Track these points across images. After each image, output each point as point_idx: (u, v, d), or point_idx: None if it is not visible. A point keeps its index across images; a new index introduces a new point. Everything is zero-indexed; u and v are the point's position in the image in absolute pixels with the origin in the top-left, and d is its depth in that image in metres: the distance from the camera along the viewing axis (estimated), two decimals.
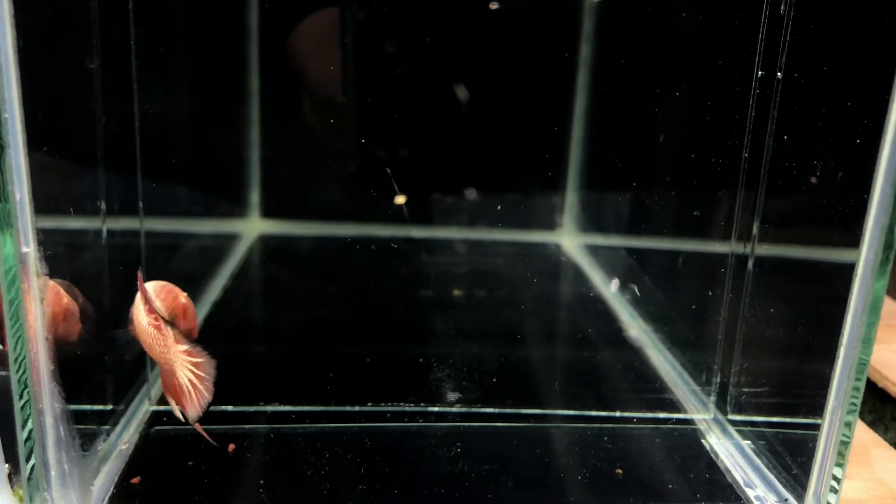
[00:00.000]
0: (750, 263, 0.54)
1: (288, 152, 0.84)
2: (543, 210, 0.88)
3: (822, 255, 0.49)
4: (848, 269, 0.43)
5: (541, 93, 0.82)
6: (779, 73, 0.49)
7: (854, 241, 0.42)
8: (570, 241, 0.87)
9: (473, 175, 0.84)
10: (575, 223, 0.87)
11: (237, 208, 0.85)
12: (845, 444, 0.46)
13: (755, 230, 0.53)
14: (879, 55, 0.42)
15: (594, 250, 0.84)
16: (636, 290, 0.73)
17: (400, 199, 0.81)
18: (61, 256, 0.40)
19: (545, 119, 0.84)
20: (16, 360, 0.36)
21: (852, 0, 0.46)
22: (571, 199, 0.87)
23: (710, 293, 0.58)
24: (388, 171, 0.72)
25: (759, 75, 0.50)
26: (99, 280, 0.49)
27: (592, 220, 0.86)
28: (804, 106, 0.49)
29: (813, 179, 0.49)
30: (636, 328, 0.68)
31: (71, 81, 0.45)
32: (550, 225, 0.88)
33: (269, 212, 0.86)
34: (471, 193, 0.85)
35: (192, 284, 0.70)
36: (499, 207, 0.84)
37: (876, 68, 0.42)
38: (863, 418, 0.65)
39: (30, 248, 0.35)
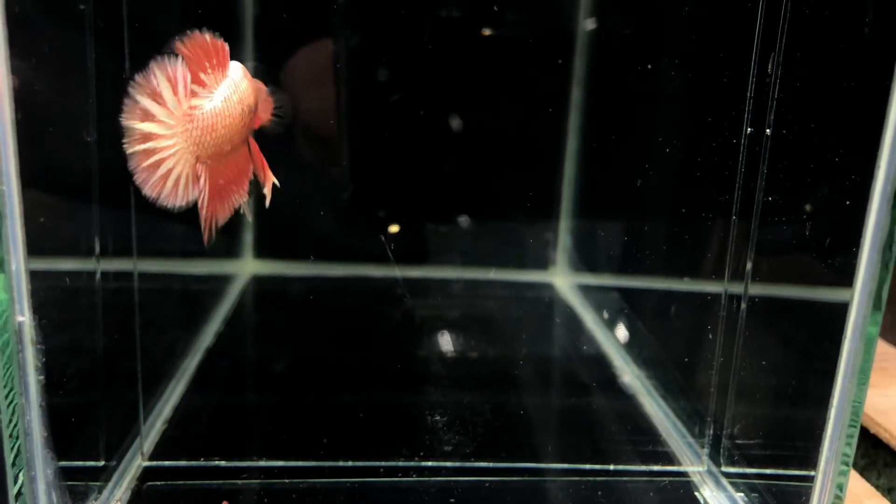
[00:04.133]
0: (743, 306, 0.54)
1: (281, 192, 0.84)
2: (536, 250, 0.88)
3: (813, 302, 0.50)
4: (839, 320, 0.44)
5: (533, 133, 0.83)
6: (767, 130, 0.50)
7: (845, 283, 0.42)
8: (563, 280, 0.88)
9: (466, 213, 0.84)
10: (568, 263, 0.88)
11: (230, 249, 0.85)
12: (839, 499, 0.46)
13: (747, 277, 0.54)
14: (867, 114, 0.43)
15: (587, 290, 0.84)
16: (628, 334, 0.73)
17: (393, 228, 0.82)
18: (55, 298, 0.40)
19: (538, 159, 0.85)
20: (9, 427, 0.36)
21: (838, 60, 0.47)
22: (564, 238, 0.87)
23: (703, 339, 0.59)
24: (383, 238, 0.72)
25: (748, 132, 0.51)
26: (92, 322, 0.49)
27: (585, 261, 0.86)
28: (793, 161, 0.49)
29: (803, 232, 0.50)
30: (629, 374, 0.68)
31: (67, 139, 0.45)
32: (543, 264, 0.88)
33: (262, 252, 0.86)
34: (463, 232, 0.86)
35: (186, 329, 0.70)
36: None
37: (863, 126, 0.43)
38: (855, 464, 0.65)
39: (25, 318, 0.35)
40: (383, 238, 0.71)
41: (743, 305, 0.54)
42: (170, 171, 0.37)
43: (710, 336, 0.57)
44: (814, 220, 0.48)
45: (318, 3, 0.74)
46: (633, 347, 0.71)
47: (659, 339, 0.68)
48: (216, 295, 0.80)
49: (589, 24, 0.78)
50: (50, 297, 0.39)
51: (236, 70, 0.40)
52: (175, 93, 0.37)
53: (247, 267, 0.86)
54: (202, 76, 0.38)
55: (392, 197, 0.83)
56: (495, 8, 0.75)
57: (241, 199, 0.42)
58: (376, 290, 0.82)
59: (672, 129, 0.66)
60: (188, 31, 0.37)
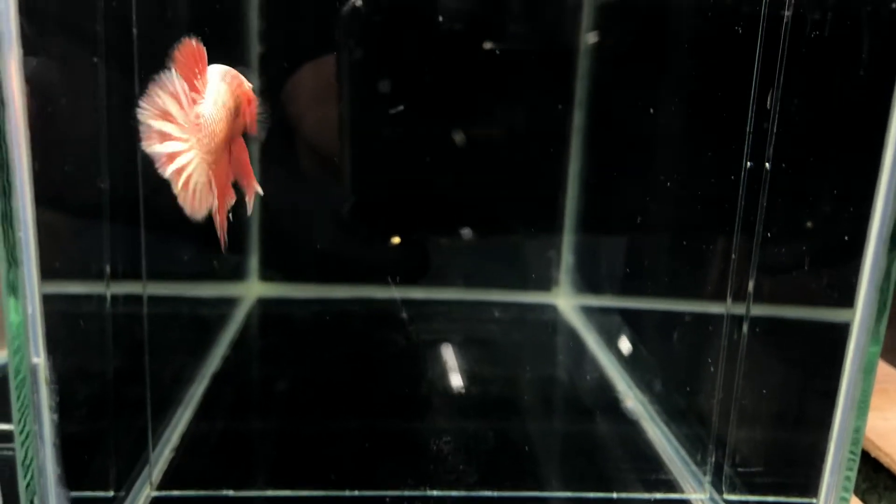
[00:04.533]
0: (744, 329, 0.55)
1: (286, 215, 0.85)
2: (539, 271, 0.89)
3: (814, 328, 0.51)
4: (840, 343, 0.44)
5: (536, 156, 0.84)
6: (767, 164, 0.50)
7: (845, 317, 0.43)
8: (566, 301, 0.88)
9: (469, 234, 0.85)
10: (571, 284, 0.88)
11: (235, 272, 0.86)
12: None
13: (748, 300, 0.54)
14: (864, 149, 0.43)
15: (590, 312, 0.85)
16: (631, 357, 0.74)
17: (395, 240, 0.83)
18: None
19: (541, 181, 0.86)
20: (24, 465, 0.37)
21: (836, 95, 0.48)
22: (567, 260, 0.88)
23: (705, 363, 0.59)
24: (389, 279, 0.73)
25: (748, 165, 0.51)
26: (103, 348, 0.50)
27: (588, 283, 0.87)
28: (792, 195, 0.50)
29: (803, 265, 0.50)
30: (632, 399, 0.68)
31: (79, 165, 0.46)
32: (546, 285, 0.89)
33: (267, 275, 0.87)
34: (466, 253, 0.86)
35: (192, 354, 0.71)
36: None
37: (861, 160, 0.44)
38: (857, 488, 0.66)
39: (40, 359, 0.36)
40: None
41: (744, 329, 0.55)
42: (197, 186, 0.38)
43: (712, 361, 0.57)
44: (813, 254, 0.49)
45: (322, 20, 0.75)
46: (636, 371, 0.72)
47: (661, 362, 0.69)
48: (222, 318, 0.80)
49: (590, 39, 0.79)
50: (61, 323, 0.40)
51: (214, 72, 0.41)
52: (181, 107, 0.37)
53: (252, 289, 0.87)
54: (196, 83, 0.38)
55: (396, 217, 0.84)
56: (497, 51, 0.77)
57: (233, 200, 0.42)
58: (380, 311, 0.82)
59: (674, 157, 0.66)
60: (179, 40, 0.38)
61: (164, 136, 0.36)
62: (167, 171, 0.36)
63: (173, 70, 0.37)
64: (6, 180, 0.34)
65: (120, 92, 0.49)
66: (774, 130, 0.50)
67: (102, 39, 0.46)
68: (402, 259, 0.85)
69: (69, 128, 0.45)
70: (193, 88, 0.38)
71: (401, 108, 0.77)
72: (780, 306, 0.54)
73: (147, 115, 0.36)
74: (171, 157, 0.37)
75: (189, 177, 0.37)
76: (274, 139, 0.77)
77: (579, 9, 0.79)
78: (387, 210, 0.84)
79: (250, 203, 0.44)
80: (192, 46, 0.38)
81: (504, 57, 0.78)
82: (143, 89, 0.50)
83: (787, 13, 0.49)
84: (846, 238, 0.45)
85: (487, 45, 0.77)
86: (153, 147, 0.36)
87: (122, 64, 0.49)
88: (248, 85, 0.44)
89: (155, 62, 0.52)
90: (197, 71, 0.38)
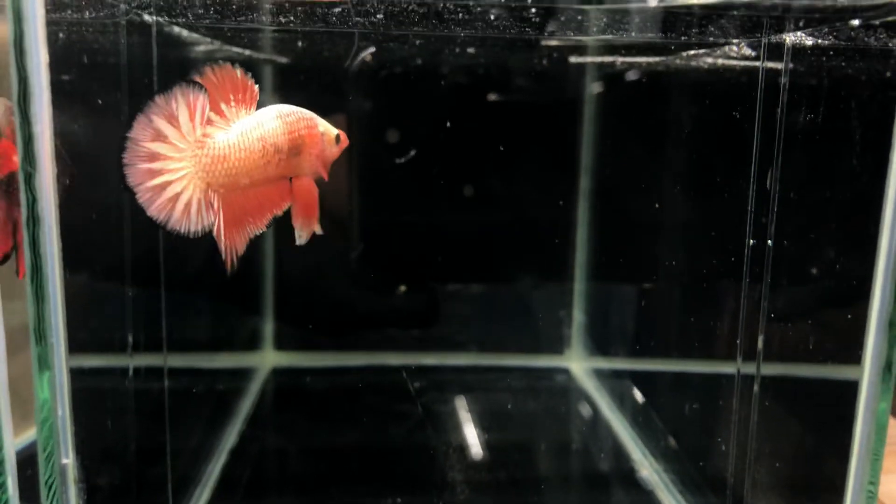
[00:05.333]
0: (755, 389, 0.56)
1: (300, 283, 0.87)
2: (551, 333, 0.90)
3: (823, 397, 0.51)
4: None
5: (545, 218, 0.86)
6: (769, 241, 0.52)
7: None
8: (579, 365, 0.89)
9: (480, 301, 0.86)
10: (583, 347, 0.89)
11: (250, 341, 0.87)
12: None
13: (758, 362, 0.55)
14: (863, 224, 0.45)
15: (604, 375, 0.85)
16: (646, 423, 0.74)
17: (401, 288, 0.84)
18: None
19: (550, 245, 0.87)
20: None
21: (834, 175, 0.49)
22: (579, 321, 0.89)
23: (718, 428, 0.60)
24: (404, 372, 0.74)
25: (750, 243, 0.53)
26: (125, 423, 0.51)
27: (601, 346, 0.87)
28: (794, 270, 0.51)
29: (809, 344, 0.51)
30: (648, 468, 0.69)
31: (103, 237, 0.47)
32: (559, 349, 0.90)
33: (282, 344, 0.88)
34: (477, 316, 0.87)
35: (210, 428, 0.72)
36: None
37: (860, 236, 0.45)
38: None
39: (69, 460, 0.37)
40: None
41: (755, 388, 0.55)
42: (178, 196, 0.38)
43: (724, 425, 0.58)
44: (819, 321, 0.50)
45: (333, 76, 0.77)
46: (650, 437, 0.72)
47: (675, 428, 0.69)
48: (237, 390, 0.81)
49: (594, 90, 0.81)
50: (86, 398, 0.41)
51: (268, 112, 0.41)
52: (191, 119, 0.37)
53: (267, 359, 0.88)
54: (223, 107, 0.39)
55: (404, 275, 0.85)
56: (507, 112, 0.79)
57: (256, 231, 0.42)
58: (394, 380, 0.83)
59: (681, 221, 0.68)
60: (219, 62, 0.38)
61: (159, 137, 0.37)
62: (149, 185, 0.37)
63: (203, 86, 0.38)
64: (39, 265, 0.36)
65: None
66: (775, 209, 0.51)
67: (126, 113, 0.47)
68: (412, 309, 0.86)
69: (93, 202, 0.46)
70: (218, 111, 0.39)
71: (412, 153, 0.78)
72: (790, 366, 0.55)
73: (153, 111, 0.37)
74: (153, 157, 0.37)
75: (168, 184, 0.37)
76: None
77: (583, 80, 0.82)
78: (396, 266, 0.85)
79: (306, 235, 0.44)
80: (231, 72, 0.39)
81: (514, 117, 0.81)
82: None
83: (784, 80, 0.51)
84: (850, 316, 0.46)
85: (496, 103, 0.80)
86: (141, 141, 0.37)
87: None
88: (320, 129, 0.43)
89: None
90: (232, 97, 0.39)
